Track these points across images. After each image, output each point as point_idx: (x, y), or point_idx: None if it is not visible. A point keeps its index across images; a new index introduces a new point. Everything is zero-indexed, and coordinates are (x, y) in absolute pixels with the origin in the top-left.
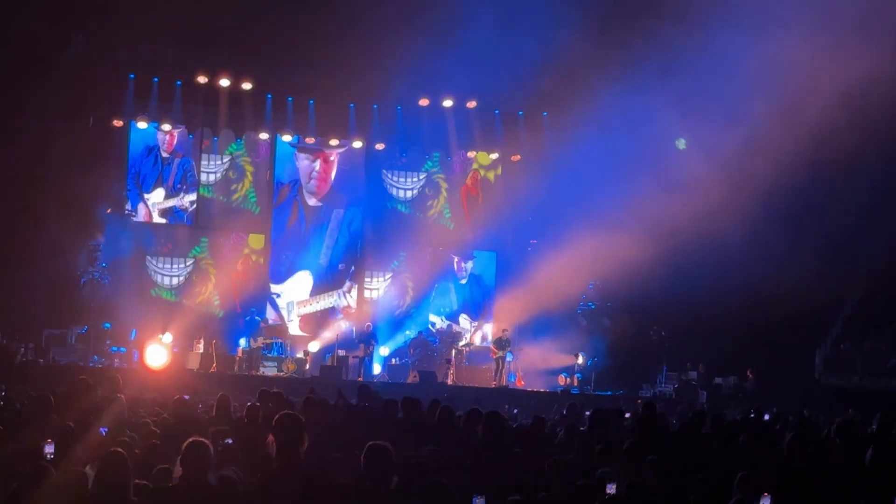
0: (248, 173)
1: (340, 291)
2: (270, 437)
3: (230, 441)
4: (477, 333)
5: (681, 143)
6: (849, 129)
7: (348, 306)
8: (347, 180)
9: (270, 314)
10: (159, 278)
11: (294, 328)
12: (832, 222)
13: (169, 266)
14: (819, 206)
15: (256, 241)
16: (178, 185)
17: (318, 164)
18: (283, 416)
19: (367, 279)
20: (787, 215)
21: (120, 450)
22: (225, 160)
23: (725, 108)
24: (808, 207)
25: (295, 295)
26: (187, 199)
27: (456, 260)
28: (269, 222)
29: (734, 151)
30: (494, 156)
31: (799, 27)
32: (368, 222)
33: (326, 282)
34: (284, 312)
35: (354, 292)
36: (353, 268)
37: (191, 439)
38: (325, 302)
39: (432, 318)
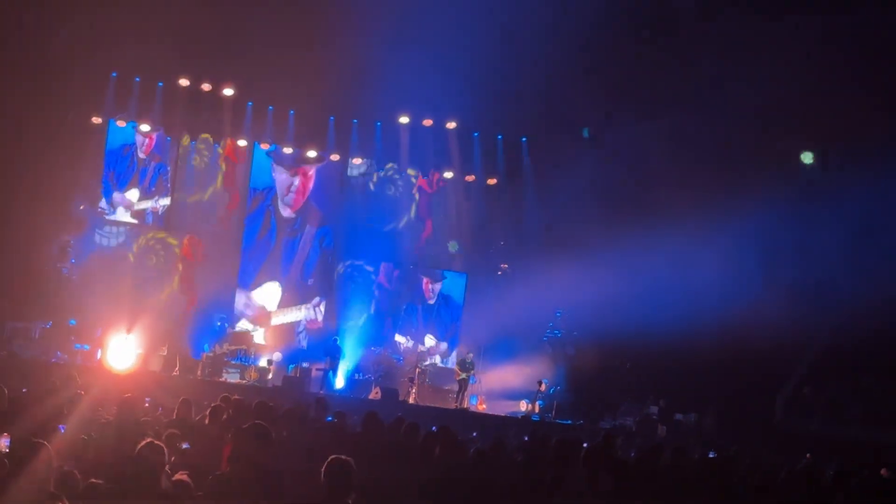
0: (223, 179)
1: (310, 305)
2: (227, 446)
3: (186, 446)
4: (442, 351)
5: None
6: (832, 170)
7: (316, 320)
8: (323, 195)
9: (237, 320)
10: (128, 278)
11: (259, 338)
12: (807, 266)
13: (138, 267)
14: (796, 249)
15: (226, 246)
16: (153, 189)
17: (297, 180)
18: (251, 426)
19: (336, 294)
20: (764, 256)
21: (42, 441)
22: (201, 164)
23: (709, 142)
24: (784, 249)
25: (263, 307)
26: (161, 203)
27: (425, 280)
28: (240, 229)
29: (717, 187)
30: (471, 178)
31: (787, 63)
32: (340, 238)
33: (295, 295)
34: (250, 322)
35: (323, 307)
36: (322, 283)
37: (146, 441)
38: (294, 315)
39: (397, 337)
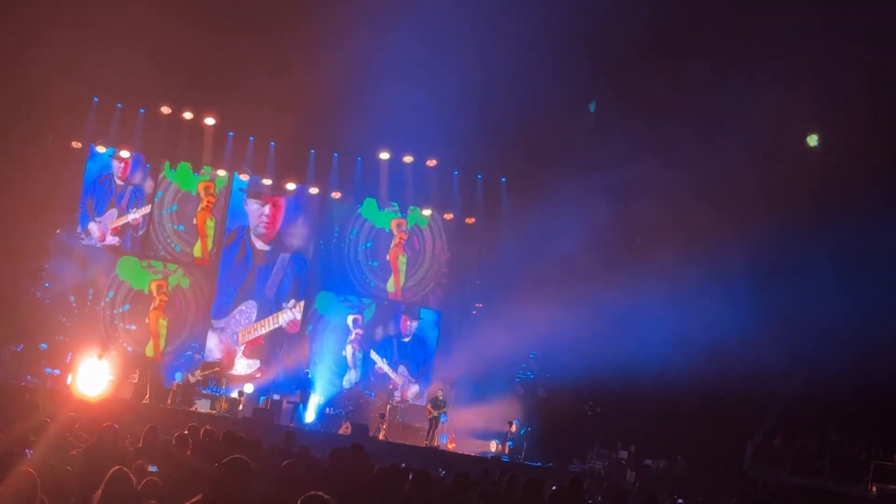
0: (201, 209)
1: (286, 307)
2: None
3: (154, 468)
4: (413, 389)
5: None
6: (819, 224)
7: (293, 320)
8: (296, 227)
9: (211, 349)
10: (102, 304)
11: (240, 356)
12: (783, 317)
13: (112, 293)
14: (775, 299)
15: (202, 275)
16: (130, 208)
17: (267, 209)
18: (232, 461)
19: (310, 326)
20: (740, 306)
21: (30, 469)
22: (179, 193)
23: (691, 190)
24: (762, 299)
25: (240, 324)
26: (140, 214)
27: (403, 317)
28: (217, 258)
29: (696, 236)
30: (427, 212)
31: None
32: (316, 270)
33: (271, 312)
34: (227, 345)
35: (298, 309)
36: (298, 301)
37: (114, 468)
38: (270, 324)
39: (373, 355)
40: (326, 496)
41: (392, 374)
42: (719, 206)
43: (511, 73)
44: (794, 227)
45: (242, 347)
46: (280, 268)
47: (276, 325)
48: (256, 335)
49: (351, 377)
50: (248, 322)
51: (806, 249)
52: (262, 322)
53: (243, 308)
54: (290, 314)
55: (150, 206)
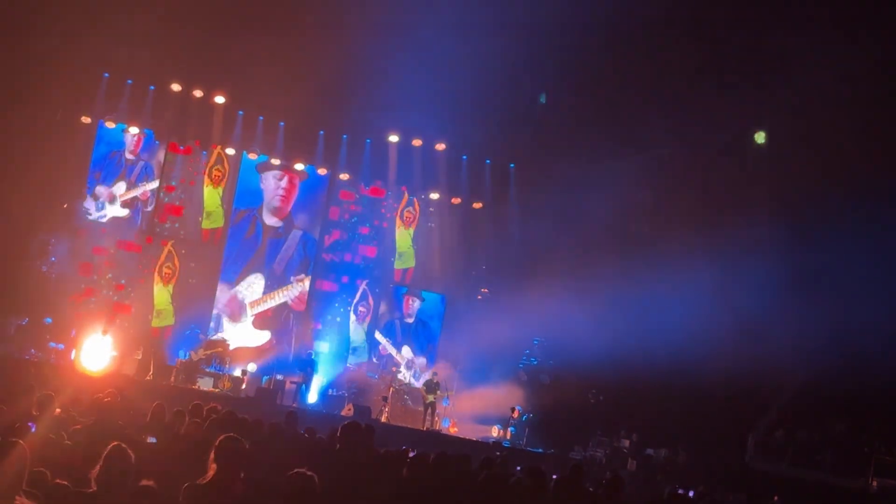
0: (210, 186)
1: (293, 280)
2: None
3: (153, 440)
4: (414, 371)
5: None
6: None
7: (301, 295)
8: (307, 208)
9: (218, 321)
10: (107, 278)
11: (248, 328)
12: (785, 313)
13: (119, 269)
14: (781, 293)
15: (207, 254)
16: (140, 182)
17: (284, 182)
18: (224, 440)
19: (315, 308)
20: (747, 298)
21: (17, 440)
22: (188, 169)
23: (697, 176)
24: (768, 293)
25: (248, 296)
26: (148, 188)
27: (406, 299)
28: (225, 232)
29: (702, 222)
30: (435, 196)
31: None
32: (322, 249)
33: (279, 286)
34: (230, 319)
35: (304, 284)
36: (307, 276)
37: (113, 444)
38: (278, 298)
39: (378, 336)
40: (310, 473)
41: (396, 355)
42: (729, 196)
43: (522, 58)
44: (806, 220)
45: (252, 318)
46: (292, 243)
47: (284, 300)
48: (266, 307)
49: (354, 359)
50: (254, 295)
51: (814, 245)
52: (271, 294)
53: (251, 279)
54: (298, 289)
55: (158, 180)
